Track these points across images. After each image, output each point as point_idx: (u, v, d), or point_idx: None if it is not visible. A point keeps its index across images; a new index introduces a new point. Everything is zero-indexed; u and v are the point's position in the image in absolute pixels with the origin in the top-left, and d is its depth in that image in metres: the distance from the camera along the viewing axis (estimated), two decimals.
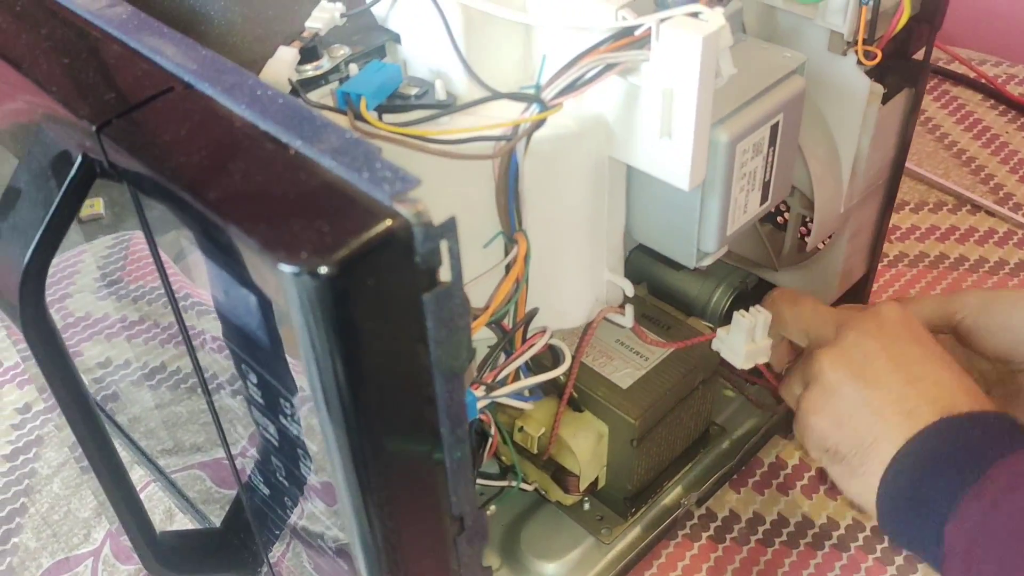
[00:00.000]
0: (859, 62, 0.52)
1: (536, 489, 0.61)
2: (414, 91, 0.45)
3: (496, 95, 0.42)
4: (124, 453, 0.71)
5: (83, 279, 0.89)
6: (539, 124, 0.42)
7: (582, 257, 0.51)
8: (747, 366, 0.53)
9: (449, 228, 0.31)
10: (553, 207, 0.48)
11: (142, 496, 0.69)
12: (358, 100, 0.42)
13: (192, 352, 0.45)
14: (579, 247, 0.50)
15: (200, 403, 0.68)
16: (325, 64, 0.46)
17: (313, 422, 0.35)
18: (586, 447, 0.57)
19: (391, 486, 0.36)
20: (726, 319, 0.66)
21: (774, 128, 0.48)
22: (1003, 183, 0.92)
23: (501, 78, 0.46)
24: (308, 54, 0.45)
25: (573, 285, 0.52)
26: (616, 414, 0.56)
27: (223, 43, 0.48)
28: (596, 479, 0.60)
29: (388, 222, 0.30)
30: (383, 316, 0.31)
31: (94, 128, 0.35)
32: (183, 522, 0.66)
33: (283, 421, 0.39)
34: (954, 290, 0.81)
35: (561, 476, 0.59)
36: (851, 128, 0.55)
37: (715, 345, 0.55)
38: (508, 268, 0.47)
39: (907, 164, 0.94)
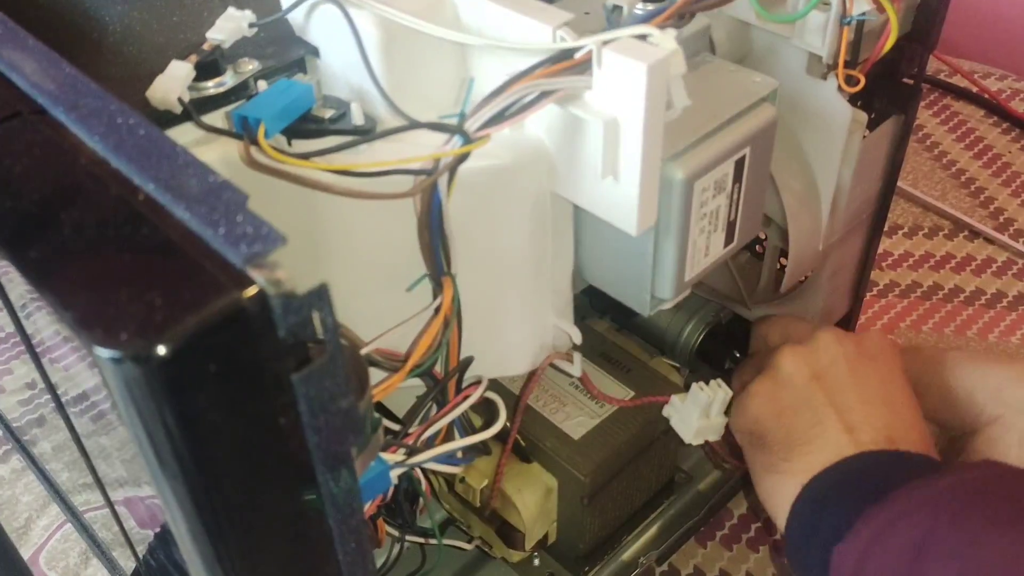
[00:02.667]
0: (840, 88, 0.46)
1: (478, 546, 0.55)
2: (329, 113, 0.40)
3: (413, 124, 0.37)
4: (40, 489, 0.66)
5: (11, 293, 0.83)
6: (462, 158, 0.36)
7: (524, 301, 0.45)
8: (696, 442, 0.50)
9: (319, 297, 0.26)
10: (488, 247, 0.42)
11: (57, 535, 0.64)
12: (256, 125, 0.37)
13: (57, 399, 0.40)
14: (520, 290, 0.45)
15: (120, 437, 0.62)
16: (229, 80, 0.40)
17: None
18: (532, 503, 0.52)
19: None
20: (697, 357, 0.60)
21: (739, 163, 0.42)
22: (1004, 207, 0.87)
23: (429, 101, 0.40)
24: (208, 69, 0.40)
25: (515, 331, 0.46)
26: (565, 469, 0.51)
27: (118, 52, 0.42)
28: (545, 535, 0.55)
29: (236, 295, 0.24)
30: (238, 405, 0.26)
31: None
32: (99, 567, 0.61)
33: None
34: (944, 325, 0.76)
35: (506, 531, 0.54)
36: (831, 159, 0.49)
37: (666, 412, 0.50)
38: (438, 310, 0.42)
39: (902, 184, 0.88)
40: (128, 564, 0.58)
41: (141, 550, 0.55)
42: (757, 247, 0.63)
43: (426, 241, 0.40)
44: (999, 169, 0.91)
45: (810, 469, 0.42)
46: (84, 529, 0.60)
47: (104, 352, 0.23)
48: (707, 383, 0.49)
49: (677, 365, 0.60)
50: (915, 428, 0.44)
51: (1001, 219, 0.85)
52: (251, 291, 0.25)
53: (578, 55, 0.36)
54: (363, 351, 0.40)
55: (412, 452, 0.41)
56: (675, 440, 0.57)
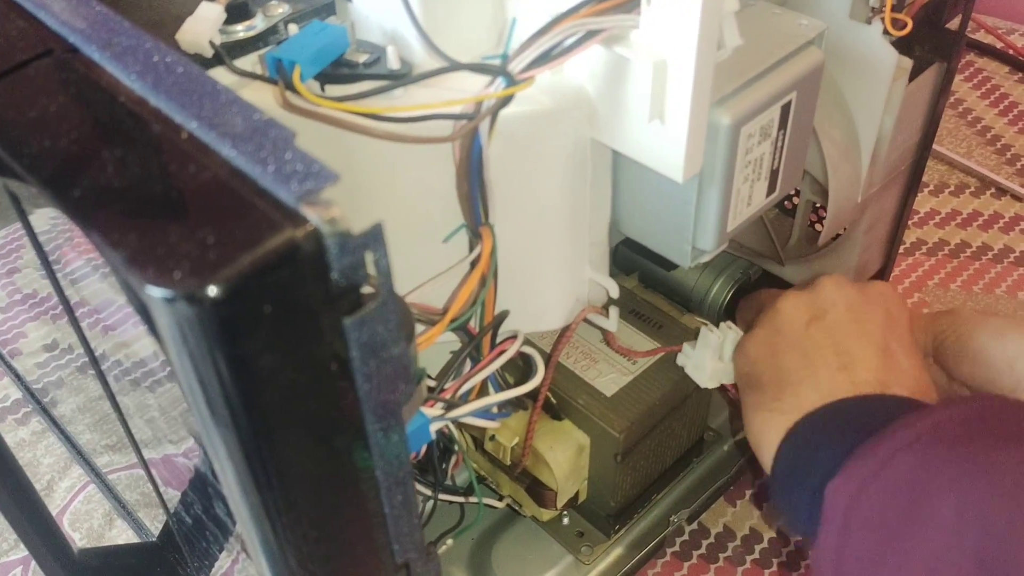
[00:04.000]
0: (885, 31, 0.45)
1: (509, 504, 0.55)
2: (363, 58, 0.38)
3: (454, 65, 0.36)
4: (61, 451, 0.65)
5: (29, 253, 0.82)
6: (505, 101, 0.35)
7: (560, 253, 0.44)
8: (712, 385, 0.49)
9: (374, 237, 0.25)
10: (526, 196, 0.41)
11: (80, 497, 0.63)
12: (291, 68, 0.35)
13: (91, 354, 0.39)
14: (557, 242, 0.43)
15: (146, 397, 0.62)
16: (259, 24, 0.39)
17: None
18: (564, 461, 0.51)
19: (315, 543, 0.30)
20: (726, 314, 0.59)
21: (785, 108, 0.41)
22: None
23: (467, 44, 0.39)
24: (238, 12, 0.38)
25: (550, 284, 0.45)
26: (598, 425, 0.50)
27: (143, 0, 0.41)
28: (576, 493, 0.54)
29: (290, 232, 0.23)
30: (289, 349, 0.25)
31: None
32: (123, 528, 0.60)
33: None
34: (972, 283, 0.75)
35: (537, 490, 0.53)
36: (873, 107, 0.48)
37: (680, 360, 0.50)
38: (473, 265, 0.41)
39: None
40: (154, 525, 0.57)
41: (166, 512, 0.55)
42: (787, 203, 0.61)
43: (465, 190, 0.39)
44: None
45: (799, 408, 0.42)
46: (109, 490, 0.59)
47: (157, 291, 0.22)
48: (716, 325, 0.48)
49: (707, 322, 0.59)
50: (910, 375, 0.43)
51: None
52: (306, 229, 0.24)
53: None
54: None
55: (450, 406, 0.40)
56: (708, 396, 0.56)
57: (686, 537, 0.59)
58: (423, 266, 0.42)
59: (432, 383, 0.43)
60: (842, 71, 0.47)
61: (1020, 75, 0.96)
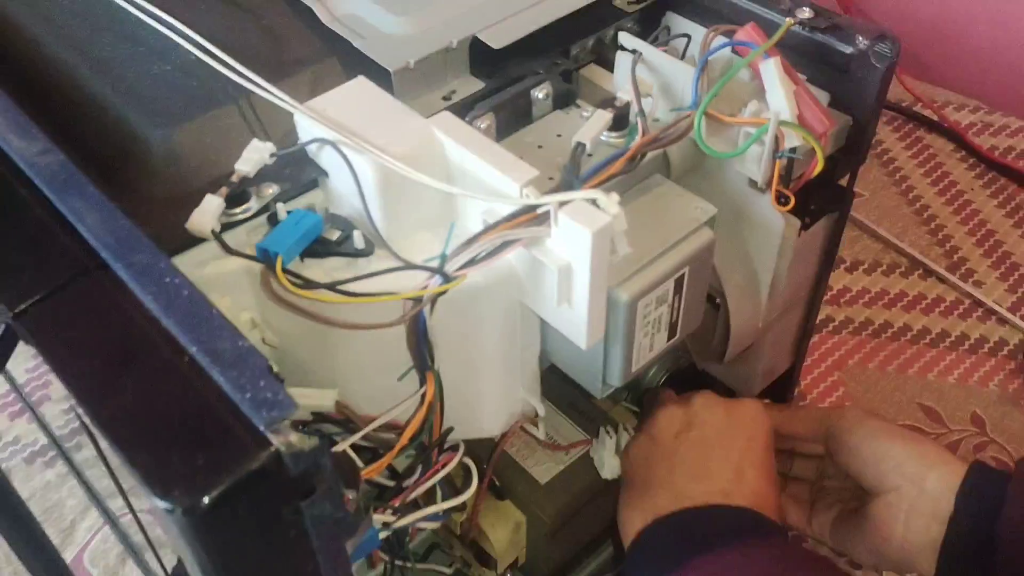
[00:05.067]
0: None
1: (459, 569, 0.65)
2: (335, 235, 0.48)
3: (405, 266, 0.45)
4: (82, 493, 0.75)
5: None
6: (443, 292, 0.44)
7: (496, 381, 0.54)
8: (609, 477, 0.60)
9: (320, 451, 0.34)
10: (466, 347, 0.50)
11: (98, 536, 0.74)
12: (275, 257, 0.45)
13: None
14: (493, 374, 0.53)
15: None
16: (254, 206, 0.48)
17: None
18: (504, 536, 0.61)
19: None
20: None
21: (679, 280, 0.50)
22: (959, 246, 0.94)
23: (422, 224, 0.48)
24: (236, 198, 0.48)
25: (488, 403, 0.55)
26: (531, 510, 0.60)
27: (162, 175, 0.50)
28: (516, 558, 0.64)
29: (260, 457, 0.33)
30: (260, 527, 0.35)
31: (11, 314, 0.38)
32: (134, 568, 0.71)
33: None
34: (888, 363, 0.83)
35: (483, 555, 0.63)
36: (769, 257, 0.57)
37: (591, 451, 0.59)
38: (423, 399, 0.50)
39: (866, 221, 0.95)
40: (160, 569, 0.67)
41: (165, 552, 0.64)
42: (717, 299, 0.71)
43: (413, 344, 0.48)
44: (960, 206, 0.98)
45: (654, 509, 0.52)
46: (123, 535, 0.69)
47: (162, 503, 0.32)
48: (616, 429, 0.59)
49: (636, 409, 0.68)
50: (752, 489, 0.52)
51: (955, 258, 0.93)
52: (270, 451, 0.33)
53: (539, 210, 0.44)
54: (363, 432, 0.48)
55: (400, 512, 0.50)
56: None
57: None
58: (386, 392, 0.51)
59: (388, 482, 0.53)
60: (743, 227, 0.56)
61: (963, 153, 1.04)
